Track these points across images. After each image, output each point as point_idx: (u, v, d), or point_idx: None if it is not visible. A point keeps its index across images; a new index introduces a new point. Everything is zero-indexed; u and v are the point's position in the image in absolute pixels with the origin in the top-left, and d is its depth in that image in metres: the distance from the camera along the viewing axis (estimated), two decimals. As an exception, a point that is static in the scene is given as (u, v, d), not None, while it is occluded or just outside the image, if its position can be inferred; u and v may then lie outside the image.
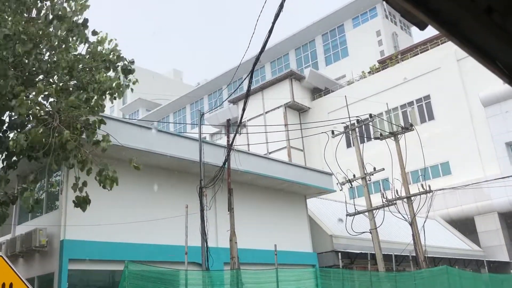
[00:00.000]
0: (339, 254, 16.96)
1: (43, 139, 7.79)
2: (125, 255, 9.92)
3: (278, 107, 43.06)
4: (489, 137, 34.41)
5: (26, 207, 8.34)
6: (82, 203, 8.37)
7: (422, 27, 1.32)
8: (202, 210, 12.41)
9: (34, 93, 8.28)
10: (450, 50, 37.40)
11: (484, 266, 25.91)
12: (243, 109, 11.26)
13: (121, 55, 9.65)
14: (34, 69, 8.95)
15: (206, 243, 12.04)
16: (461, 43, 1.30)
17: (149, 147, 13.23)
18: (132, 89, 9.41)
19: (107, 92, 9.15)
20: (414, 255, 17.61)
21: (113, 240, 12.27)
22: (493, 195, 32.24)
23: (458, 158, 35.45)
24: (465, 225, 33.78)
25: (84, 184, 8.41)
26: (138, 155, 13.04)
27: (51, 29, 9.02)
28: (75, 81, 9.26)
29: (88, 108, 8.62)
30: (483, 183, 31.98)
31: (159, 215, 13.69)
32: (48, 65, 8.89)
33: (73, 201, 8.45)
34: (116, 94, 9.15)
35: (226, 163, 13.09)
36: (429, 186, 17.62)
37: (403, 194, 17.97)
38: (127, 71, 9.61)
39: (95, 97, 8.96)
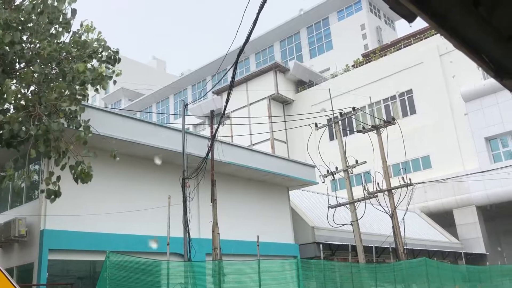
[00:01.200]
0: (321, 245, 17.13)
1: (23, 127, 7.66)
2: (107, 246, 9.86)
3: (262, 99, 43.06)
4: (469, 132, 35.02)
5: (14, 188, 8.22)
6: (51, 195, 8.28)
7: (410, 19, 1.32)
8: (184, 201, 12.37)
9: (14, 81, 8.12)
10: (433, 45, 37.83)
11: (461, 258, 26.47)
12: (227, 100, 11.22)
13: (106, 45, 9.50)
14: (15, 57, 8.76)
15: (189, 234, 12.02)
16: (449, 36, 1.32)
17: (132, 137, 13.11)
18: (115, 81, 9.27)
19: (90, 83, 9.00)
20: (394, 247, 17.88)
21: (95, 231, 12.16)
22: (471, 189, 32.89)
23: (439, 152, 36.01)
24: (444, 218, 34.42)
25: (58, 179, 8.30)
26: (121, 145, 12.92)
27: (33, 16, 8.83)
28: (57, 70, 9.09)
29: (70, 97, 8.48)
30: (462, 177, 32.59)
31: (142, 206, 13.61)
32: (31, 53, 8.71)
33: (42, 191, 8.36)
34: (100, 85, 9.01)
35: (210, 154, 13.05)
36: (410, 179, 17.86)
37: (384, 187, 18.19)
38: (113, 60, 9.47)
39: (78, 87, 8.81)
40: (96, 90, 9.11)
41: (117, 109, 57.27)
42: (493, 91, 34.09)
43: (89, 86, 9.06)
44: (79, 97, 8.69)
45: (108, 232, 12.47)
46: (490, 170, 31.19)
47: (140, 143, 13.39)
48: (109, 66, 9.49)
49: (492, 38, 1.34)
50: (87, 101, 9.80)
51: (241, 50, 8.15)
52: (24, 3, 9.02)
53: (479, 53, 1.41)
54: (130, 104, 64.32)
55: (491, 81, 34.73)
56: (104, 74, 9.03)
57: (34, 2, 8.83)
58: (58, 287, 12.10)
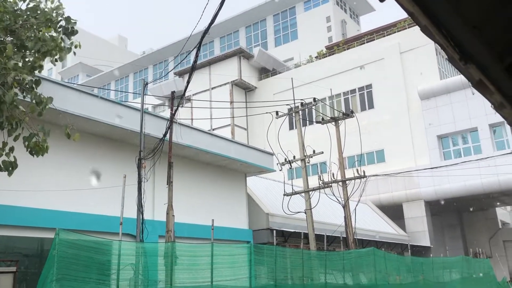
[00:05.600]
0: (274, 232, 17.40)
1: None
2: (57, 223, 9.59)
3: (225, 84, 42.83)
4: (423, 129, 36.30)
5: None
6: (8, 167, 7.95)
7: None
8: (139, 182, 12.19)
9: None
10: (395, 42, 38.74)
11: (407, 250, 27.59)
12: (188, 81, 11.09)
13: (64, 15, 9.10)
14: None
15: (142, 215, 11.89)
16: (421, 12, 1.36)
17: (88, 113, 12.75)
18: (74, 53, 8.91)
19: (48, 53, 8.61)
20: (345, 236, 18.39)
21: (44, 207, 11.80)
22: (421, 184, 34.21)
23: (393, 147, 37.15)
24: (394, 211, 35.70)
25: (11, 149, 7.97)
26: (76, 121, 12.54)
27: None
28: (12, 39, 8.65)
29: (26, 66, 8.11)
30: (414, 172, 33.82)
31: (95, 184, 13.32)
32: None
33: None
34: (58, 56, 8.64)
35: (168, 135, 12.90)
36: (364, 172, 18.35)
37: (339, 177, 18.61)
38: (70, 32, 9.09)
39: (34, 57, 8.43)
40: (55, 61, 8.72)
41: (74, 83, 55.30)
42: (448, 91, 35.42)
43: (46, 57, 8.67)
44: (35, 67, 8.31)
45: (59, 209, 12.14)
46: (440, 166, 32.50)
47: (97, 121, 13.05)
48: (66, 37, 9.09)
49: (461, 23, 1.40)
50: (40, 72, 9.38)
51: (206, 31, 8.05)
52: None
53: (445, 35, 1.47)
54: (88, 80, 62.35)
55: (447, 81, 36.05)
56: (62, 45, 8.65)
57: None
58: (2, 264, 11.70)
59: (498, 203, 43.56)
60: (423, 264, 19.79)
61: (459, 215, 43.56)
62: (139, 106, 13.99)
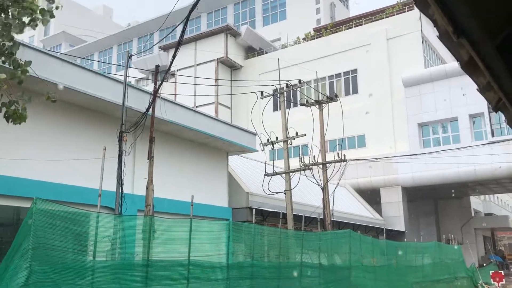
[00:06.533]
0: (253, 210, 17.54)
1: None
2: (34, 193, 9.47)
3: (210, 61, 42.42)
4: (405, 117, 36.72)
5: None
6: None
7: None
8: (120, 155, 12.09)
9: None
10: (382, 28, 38.77)
11: (383, 234, 28.17)
12: (174, 56, 10.93)
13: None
14: None
15: (122, 189, 11.83)
16: None
17: (70, 83, 12.51)
18: (54, 15, 8.61)
19: (29, 18, 8.36)
20: (322, 218, 18.67)
21: (21, 176, 11.64)
22: (400, 171, 34.78)
23: (374, 132, 37.55)
24: (371, 195, 36.30)
25: None
26: (58, 91, 12.31)
27: None
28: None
29: (5, 28, 7.87)
30: (393, 158, 34.32)
31: (74, 155, 13.17)
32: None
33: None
34: (40, 20, 8.38)
35: (150, 110, 12.77)
36: (344, 156, 18.54)
37: (320, 160, 18.78)
38: (52, -3, 8.81)
39: (14, 21, 8.18)
40: (36, 25, 8.46)
41: (57, 52, 54.07)
42: (431, 80, 35.78)
43: (27, 22, 8.41)
44: (14, 31, 8.06)
45: (36, 178, 11.98)
46: (419, 154, 33.03)
47: (79, 91, 12.82)
48: (47, 1, 8.80)
49: None
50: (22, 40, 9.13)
51: (194, 5, 7.92)
52: None
53: (440, 7, 1.48)
54: (71, 49, 61.00)
55: (431, 70, 36.39)
56: (45, 8, 8.38)
57: None
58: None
59: (472, 193, 44.66)
60: (397, 247, 20.27)
61: (434, 202, 44.58)
62: (122, 78, 13.78)
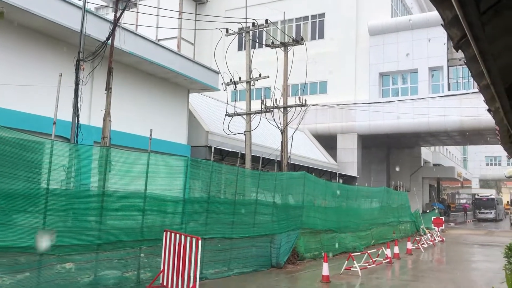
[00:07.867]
0: (212, 149, 17.62)
1: None
2: (-16, 117, 9.11)
3: (175, -7, 40.60)
4: (367, 65, 37.07)
5: None
6: None
7: None
8: (77, 84, 11.67)
9: None
10: (353, -27, 38.08)
11: (336, 178, 29.21)
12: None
13: None
14: None
15: (78, 119, 11.53)
16: None
17: (24, 4, 11.73)
18: None
19: None
20: (280, 160, 19.05)
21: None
22: (357, 118, 35.59)
23: (336, 79, 37.86)
24: (328, 141, 37.19)
25: None
26: (10, 11, 11.58)
27: None
28: None
29: None
30: (352, 106, 34.96)
31: (28, 81, 12.61)
32: None
33: None
34: None
35: (110, 39, 12.24)
36: (305, 101, 18.67)
37: (281, 104, 18.86)
38: None
39: None
40: None
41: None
42: (396, 30, 35.95)
43: None
44: None
45: (-13, 104, 11.47)
46: (377, 102, 33.78)
47: (34, 13, 12.08)
48: None
49: None
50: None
51: None
52: None
53: None
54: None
55: (397, 20, 36.47)
56: None
57: None
58: None
59: (424, 143, 46.60)
60: (348, 190, 21.14)
61: (387, 150, 46.30)
62: (81, 3, 13.03)
